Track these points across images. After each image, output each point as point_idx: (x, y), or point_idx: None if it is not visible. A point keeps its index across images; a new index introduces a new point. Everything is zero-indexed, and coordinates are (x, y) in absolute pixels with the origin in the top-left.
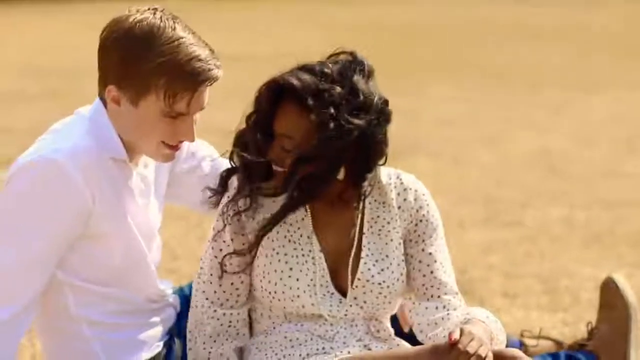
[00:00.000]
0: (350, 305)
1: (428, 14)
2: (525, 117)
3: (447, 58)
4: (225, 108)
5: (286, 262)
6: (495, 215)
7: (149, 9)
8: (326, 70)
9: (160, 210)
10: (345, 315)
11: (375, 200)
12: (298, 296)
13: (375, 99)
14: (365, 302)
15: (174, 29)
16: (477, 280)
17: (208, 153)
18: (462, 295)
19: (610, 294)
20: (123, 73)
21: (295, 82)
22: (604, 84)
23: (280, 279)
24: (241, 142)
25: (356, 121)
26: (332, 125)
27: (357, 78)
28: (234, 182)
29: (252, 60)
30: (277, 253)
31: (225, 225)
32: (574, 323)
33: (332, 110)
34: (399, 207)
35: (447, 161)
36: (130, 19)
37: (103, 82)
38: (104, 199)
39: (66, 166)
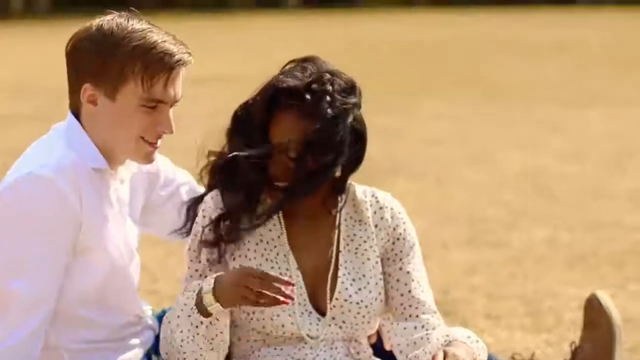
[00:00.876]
0: (329, 325)
1: (421, 31)
2: (516, 135)
3: (441, 75)
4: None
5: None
6: (479, 235)
7: (111, 14)
8: (304, 68)
9: (137, 231)
10: (325, 335)
11: (351, 218)
12: (278, 315)
13: (352, 80)
14: (344, 322)
15: (140, 21)
16: (460, 301)
17: (186, 180)
18: (445, 317)
19: (593, 312)
20: (98, 67)
21: (289, 82)
22: (598, 100)
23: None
24: (224, 166)
25: (349, 100)
26: (330, 111)
27: (331, 67)
28: (209, 203)
29: (243, 80)
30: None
31: (200, 250)
32: (558, 343)
33: (327, 98)
34: (376, 226)
35: (431, 181)
36: (96, 21)
37: (77, 87)
38: (90, 208)
39: (55, 180)
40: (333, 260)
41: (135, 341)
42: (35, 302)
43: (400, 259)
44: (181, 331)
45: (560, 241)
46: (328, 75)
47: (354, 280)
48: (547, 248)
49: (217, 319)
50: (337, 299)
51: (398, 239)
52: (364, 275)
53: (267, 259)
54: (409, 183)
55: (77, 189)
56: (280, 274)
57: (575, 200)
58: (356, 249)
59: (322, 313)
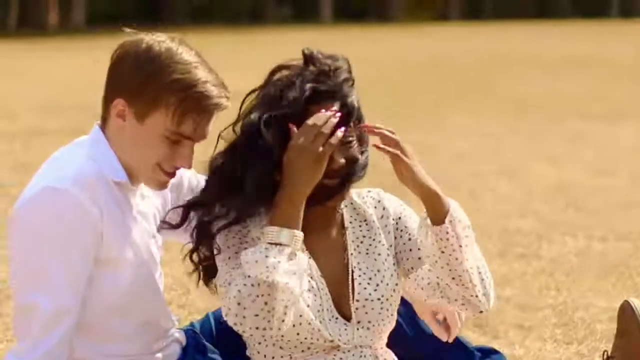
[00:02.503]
0: (357, 329)
1: (454, 45)
2: (545, 148)
3: (468, 91)
4: None
5: None
6: (511, 247)
7: (166, 35)
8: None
9: (160, 243)
10: (353, 339)
11: (355, 220)
12: (309, 323)
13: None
14: (369, 322)
15: (190, 52)
16: (492, 313)
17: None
18: (476, 329)
19: (626, 319)
20: (136, 87)
21: (328, 82)
22: (625, 114)
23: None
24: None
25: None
26: (354, 97)
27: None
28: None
29: None
30: None
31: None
32: (589, 355)
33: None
34: (381, 217)
35: (464, 194)
36: (147, 39)
37: (110, 98)
38: (110, 219)
39: (73, 192)
40: (350, 264)
41: (162, 355)
42: (57, 314)
43: (408, 232)
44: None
45: (592, 252)
46: (345, 65)
47: (370, 279)
48: (578, 259)
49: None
50: (357, 300)
51: (400, 217)
52: (378, 271)
53: None
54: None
55: (97, 200)
56: (308, 281)
57: (606, 212)
58: (367, 249)
59: (347, 318)
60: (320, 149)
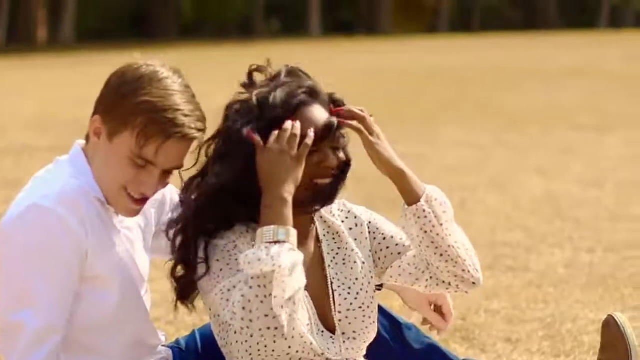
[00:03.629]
0: (343, 342)
1: (442, 58)
2: (535, 160)
3: (460, 101)
4: None
5: None
6: (499, 260)
7: (162, 62)
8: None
9: (147, 261)
10: (341, 352)
11: (328, 233)
12: (301, 336)
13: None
14: (354, 331)
15: (175, 81)
16: (480, 326)
17: None
18: (464, 342)
19: (610, 334)
20: (110, 104)
21: (299, 86)
22: (615, 125)
23: None
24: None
25: None
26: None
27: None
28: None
29: None
30: None
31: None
32: None
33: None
34: (354, 226)
35: (453, 206)
36: (141, 62)
37: (93, 114)
38: (95, 236)
39: (58, 210)
40: (328, 276)
41: None
42: (43, 332)
43: (381, 232)
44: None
45: (580, 264)
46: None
47: (349, 288)
48: (566, 271)
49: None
50: (339, 312)
51: (370, 221)
52: (356, 279)
53: None
54: None
55: (81, 217)
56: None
57: (594, 224)
58: (343, 259)
59: (331, 331)
60: (295, 151)
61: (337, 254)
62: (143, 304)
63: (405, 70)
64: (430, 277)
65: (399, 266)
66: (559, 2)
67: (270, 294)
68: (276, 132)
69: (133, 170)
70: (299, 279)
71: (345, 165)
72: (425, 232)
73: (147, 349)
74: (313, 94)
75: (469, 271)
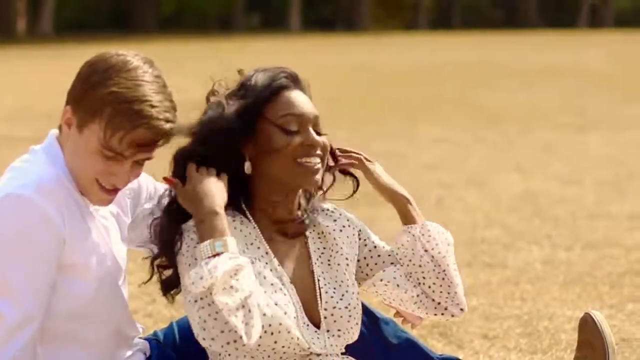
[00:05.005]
0: (328, 338)
1: (421, 55)
2: (514, 158)
3: (439, 99)
4: None
5: (270, 298)
6: (477, 257)
7: (134, 52)
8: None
9: (124, 250)
10: (325, 347)
11: (314, 231)
12: (288, 332)
13: None
14: (339, 330)
15: (145, 72)
16: (457, 322)
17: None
18: (441, 338)
19: (588, 331)
20: (80, 94)
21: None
22: (597, 123)
23: (272, 315)
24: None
25: None
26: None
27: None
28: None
29: None
30: (263, 290)
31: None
32: None
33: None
34: (343, 227)
35: (430, 204)
36: (112, 52)
37: (65, 105)
38: (72, 224)
39: (35, 198)
40: (315, 273)
41: None
42: (20, 321)
43: (372, 241)
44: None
45: (558, 262)
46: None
47: (334, 289)
48: (544, 268)
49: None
50: (325, 309)
51: (361, 230)
52: (342, 282)
53: (264, 276)
54: None
55: (58, 206)
56: (281, 289)
57: (572, 222)
58: (328, 260)
59: (316, 325)
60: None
61: (322, 253)
62: (121, 293)
63: (384, 67)
64: (422, 293)
65: (385, 277)
66: (539, 1)
67: (220, 313)
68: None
69: (103, 162)
70: (247, 283)
71: (325, 151)
72: (426, 250)
73: (125, 339)
74: (295, 80)
75: (460, 296)
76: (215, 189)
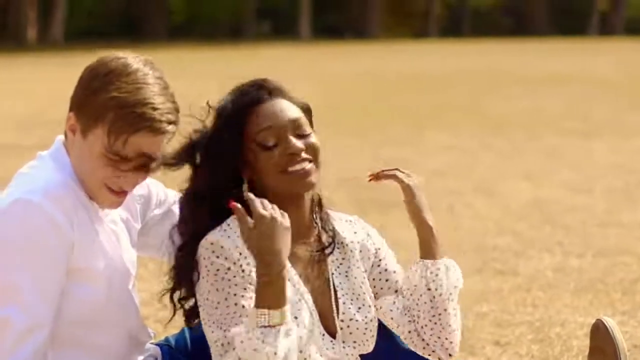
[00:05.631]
0: (343, 347)
1: (431, 63)
2: (523, 165)
3: (446, 108)
4: None
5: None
6: (488, 264)
7: (134, 54)
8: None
9: (134, 255)
10: (342, 358)
11: (334, 241)
12: (304, 344)
13: None
14: (354, 342)
15: (146, 74)
16: (469, 329)
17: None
18: None
19: (600, 338)
20: (82, 100)
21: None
22: (603, 131)
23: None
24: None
25: None
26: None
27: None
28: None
29: None
30: None
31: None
32: None
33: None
34: (362, 240)
35: (440, 211)
36: (111, 56)
37: (69, 111)
38: (81, 229)
39: (44, 204)
40: (331, 282)
41: None
42: (30, 327)
43: (386, 262)
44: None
45: (569, 268)
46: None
47: (352, 301)
48: (555, 275)
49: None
50: (342, 320)
51: (380, 248)
52: (359, 295)
53: None
54: None
55: (67, 211)
56: (299, 299)
57: (583, 229)
58: (346, 271)
59: (332, 334)
60: (286, 219)
61: (341, 263)
62: (131, 298)
63: (393, 75)
64: (414, 330)
65: (383, 305)
66: (549, 8)
67: None
68: (262, 200)
69: (109, 166)
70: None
71: (314, 151)
72: (429, 289)
73: (136, 344)
74: (265, 89)
75: (451, 342)
76: (284, 241)
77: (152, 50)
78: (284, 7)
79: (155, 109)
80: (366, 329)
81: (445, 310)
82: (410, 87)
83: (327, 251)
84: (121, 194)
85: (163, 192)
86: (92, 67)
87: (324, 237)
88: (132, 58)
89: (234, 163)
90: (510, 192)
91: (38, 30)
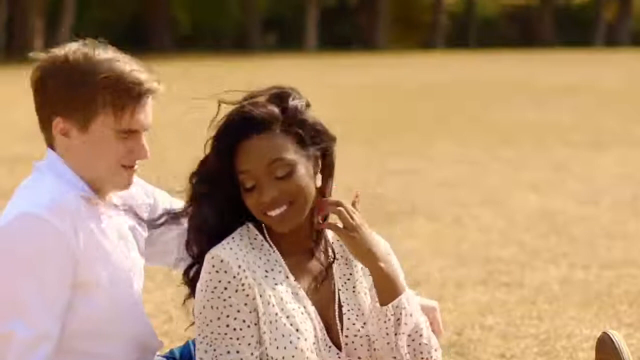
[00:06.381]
0: None
1: (438, 74)
2: (530, 176)
3: (453, 118)
4: None
5: (291, 324)
6: (494, 275)
7: (75, 43)
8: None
9: (142, 262)
10: None
11: (342, 257)
12: (307, 358)
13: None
14: (359, 357)
15: (106, 51)
16: (474, 341)
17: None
18: (458, 357)
19: (605, 351)
20: (68, 99)
21: (257, 111)
22: (610, 142)
23: (290, 342)
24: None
25: (312, 114)
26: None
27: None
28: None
29: None
30: (281, 316)
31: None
32: None
33: (299, 116)
34: None
35: (447, 222)
36: (61, 52)
37: (47, 121)
38: (86, 239)
39: (48, 217)
40: (336, 295)
41: None
42: (35, 341)
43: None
44: None
45: (575, 281)
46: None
47: (357, 316)
48: (561, 287)
49: None
50: (347, 336)
51: None
52: (364, 312)
53: (286, 302)
54: (425, 224)
55: (73, 224)
56: (302, 313)
57: (589, 241)
58: (353, 287)
59: (337, 347)
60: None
61: (348, 279)
62: (139, 307)
63: (400, 86)
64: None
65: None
66: (555, 19)
67: None
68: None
69: (122, 145)
70: None
71: (292, 195)
72: (380, 330)
73: (144, 351)
74: (248, 123)
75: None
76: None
77: (158, 61)
78: (290, 18)
79: (141, 72)
80: (370, 346)
81: (393, 356)
82: (418, 98)
83: (331, 261)
84: (133, 167)
85: (169, 202)
86: (54, 69)
87: (330, 250)
88: (82, 46)
89: (231, 191)
90: (517, 204)
91: (44, 41)
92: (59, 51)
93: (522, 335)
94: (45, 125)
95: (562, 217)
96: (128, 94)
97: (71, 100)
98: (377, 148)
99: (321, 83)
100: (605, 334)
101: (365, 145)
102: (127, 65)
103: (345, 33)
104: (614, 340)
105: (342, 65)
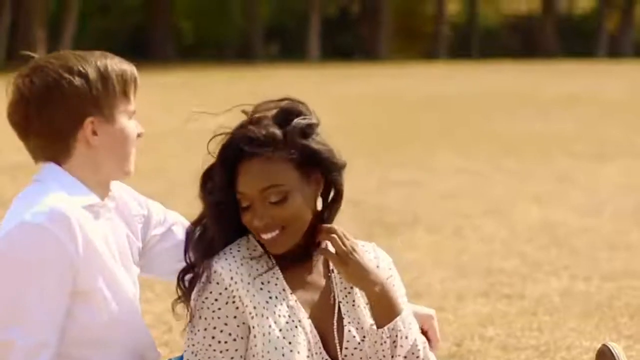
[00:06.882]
0: None
1: (441, 85)
2: (533, 188)
3: (455, 129)
4: None
5: (284, 337)
6: (494, 287)
7: (31, 62)
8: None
9: (136, 273)
10: None
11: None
12: None
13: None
14: None
15: (73, 53)
16: (475, 352)
17: (179, 220)
18: None
19: None
20: (93, 98)
21: (259, 132)
22: (613, 153)
23: (283, 355)
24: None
25: (317, 139)
26: (307, 149)
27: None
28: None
29: None
30: (273, 330)
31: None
32: None
33: (300, 140)
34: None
35: (448, 233)
36: (50, 64)
37: (71, 129)
38: (86, 251)
39: (48, 226)
40: (336, 307)
41: None
42: (34, 349)
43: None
44: None
45: (576, 292)
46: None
47: (357, 329)
48: (562, 299)
49: None
50: (346, 348)
51: (387, 279)
52: (364, 324)
53: (279, 315)
54: (427, 235)
55: (73, 233)
56: (296, 326)
57: (591, 253)
58: (354, 301)
59: (334, 359)
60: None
61: (349, 292)
62: (138, 316)
63: (403, 97)
64: None
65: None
66: (557, 29)
67: None
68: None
69: (133, 126)
70: None
71: (285, 220)
72: (376, 352)
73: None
74: (249, 143)
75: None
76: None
77: (161, 72)
78: (293, 29)
79: (112, 58)
80: (370, 358)
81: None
82: (420, 109)
83: (333, 275)
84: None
85: (162, 212)
86: (64, 81)
87: (332, 267)
88: (55, 56)
89: (233, 205)
90: (519, 215)
91: (47, 50)
92: (44, 62)
93: (522, 346)
94: (65, 134)
95: (564, 228)
96: (126, 77)
97: (96, 97)
98: (379, 159)
99: (323, 93)
100: (605, 346)
101: (367, 156)
102: (103, 57)
103: (348, 43)
104: (614, 352)
105: (344, 75)
